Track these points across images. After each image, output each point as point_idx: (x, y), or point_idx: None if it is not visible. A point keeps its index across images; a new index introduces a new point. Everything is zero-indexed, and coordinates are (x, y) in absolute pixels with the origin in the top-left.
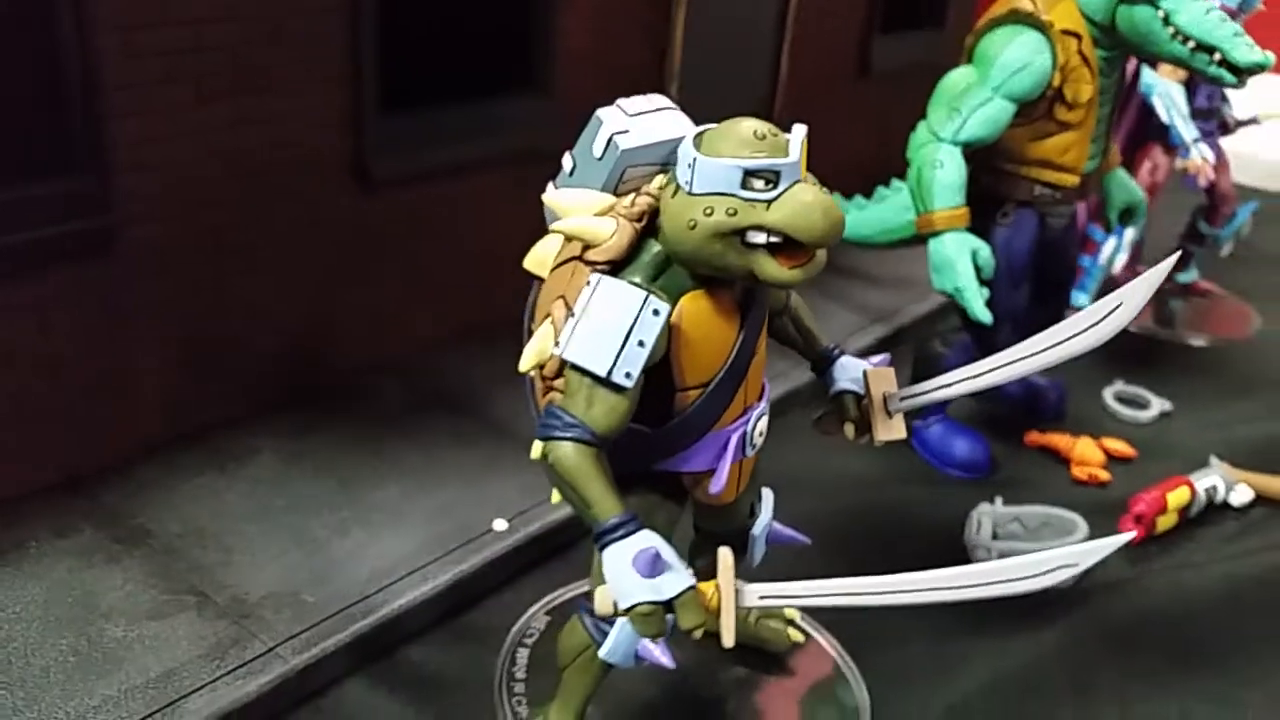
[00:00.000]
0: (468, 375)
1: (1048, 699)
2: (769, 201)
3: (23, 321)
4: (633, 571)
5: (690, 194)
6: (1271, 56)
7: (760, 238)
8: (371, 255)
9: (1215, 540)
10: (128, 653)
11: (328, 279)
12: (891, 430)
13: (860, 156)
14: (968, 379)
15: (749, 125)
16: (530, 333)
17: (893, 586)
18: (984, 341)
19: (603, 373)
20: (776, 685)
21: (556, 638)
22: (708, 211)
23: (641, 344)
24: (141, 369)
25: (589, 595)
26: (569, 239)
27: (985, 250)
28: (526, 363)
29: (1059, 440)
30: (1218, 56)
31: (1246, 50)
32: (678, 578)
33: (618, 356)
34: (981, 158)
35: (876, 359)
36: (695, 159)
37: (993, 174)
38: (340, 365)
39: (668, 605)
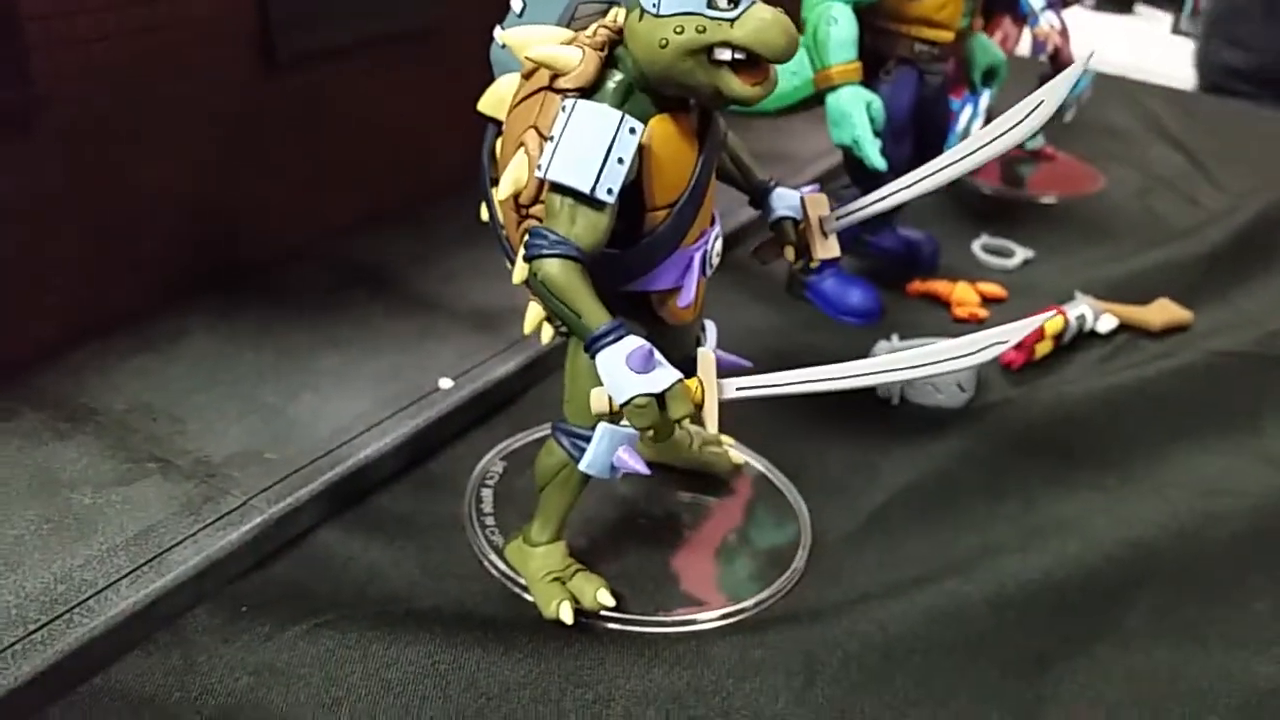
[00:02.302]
0: (385, 253)
1: (962, 500)
2: (732, 20)
3: None
4: (627, 369)
5: (658, 15)
6: None
7: (726, 54)
8: (277, 138)
9: (1089, 362)
10: (100, 516)
11: (235, 161)
12: (828, 249)
13: None
14: (900, 189)
15: None
16: (494, 173)
17: (851, 371)
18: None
19: (586, 189)
20: (722, 504)
21: (529, 470)
22: (678, 30)
23: (620, 161)
24: (59, 255)
25: (565, 417)
26: (528, 75)
27: (878, 103)
28: (504, 191)
29: (938, 286)
30: None
31: None
32: (667, 372)
33: (599, 173)
34: (867, 19)
35: (807, 188)
36: None
37: (876, 33)
38: (257, 249)
39: (660, 398)
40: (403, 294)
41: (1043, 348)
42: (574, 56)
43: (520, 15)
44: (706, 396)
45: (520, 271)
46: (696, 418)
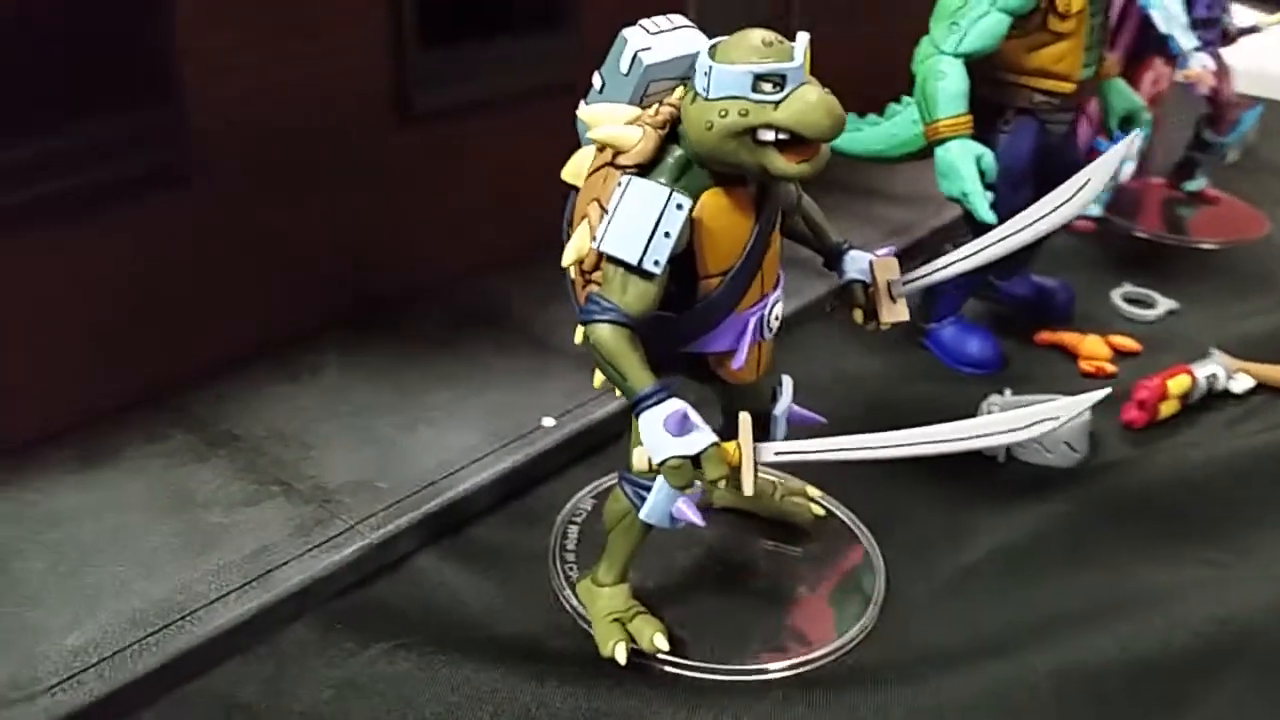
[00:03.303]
0: (502, 297)
1: (1051, 566)
2: (776, 102)
3: (112, 249)
4: (664, 431)
5: (707, 99)
6: None
7: (769, 135)
8: (409, 186)
9: (1216, 424)
10: (225, 534)
11: (371, 207)
12: (895, 313)
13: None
14: (960, 259)
15: (757, 35)
16: (569, 236)
17: (893, 441)
18: None
19: (634, 261)
20: (801, 556)
21: (604, 510)
22: (723, 114)
23: (667, 235)
24: (218, 293)
25: (629, 465)
26: (601, 148)
27: (988, 155)
28: (568, 258)
29: (1067, 337)
30: None
31: None
32: (703, 435)
33: (647, 246)
34: (983, 69)
35: (882, 250)
36: (711, 67)
37: (993, 84)
38: (387, 288)
39: (695, 460)
40: (516, 333)
41: (1168, 407)
42: (633, 136)
43: (600, 92)
44: (744, 459)
45: (579, 333)
46: (736, 479)
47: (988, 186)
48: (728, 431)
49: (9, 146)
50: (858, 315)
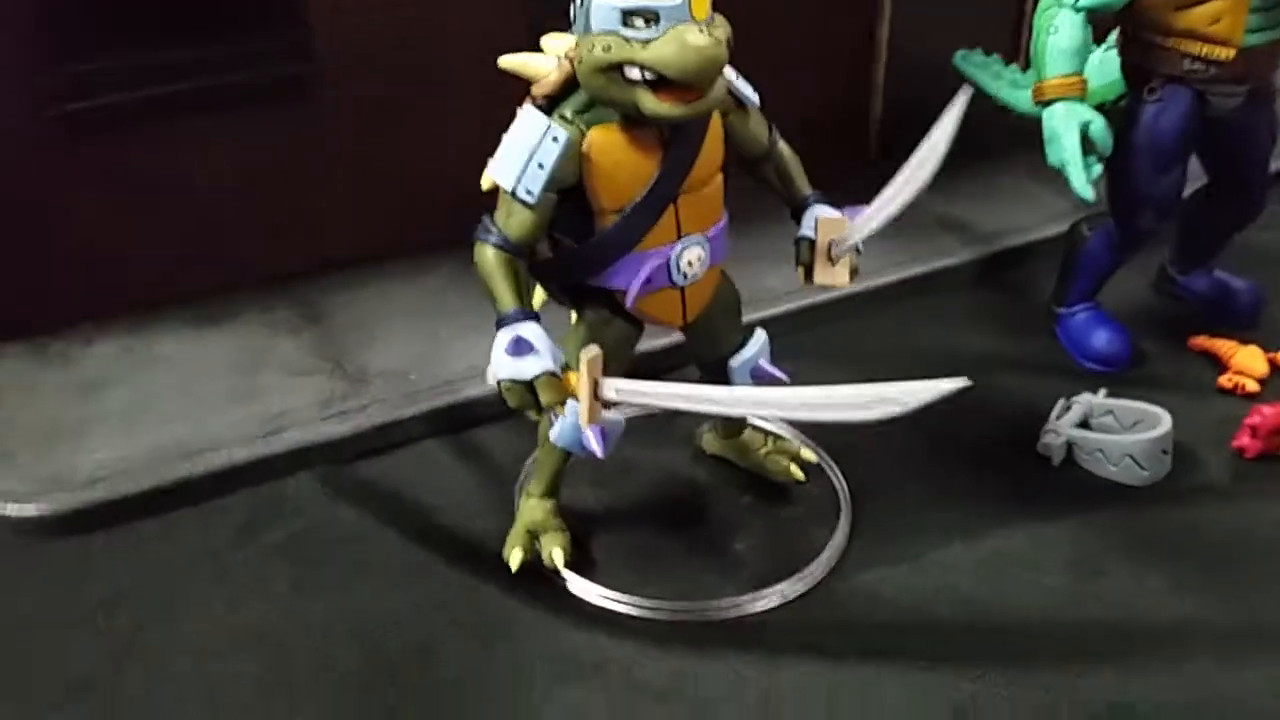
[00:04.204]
0: None
1: (1041, 579)
2: (647, 40)
3: (250, 148)
4: (504, 353)
5: (584, 34)
6: None
7: (636, 73)
8: None
9: None
10: (266, 394)
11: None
12: (830, 276)
13: None
14: (879, 212)
15: None
16: None
17: (733, 398)
18: (1125, 227)
19: (509, 188)
20: (771, 514)
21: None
22: (590, 48)
23: (541, 165)
24: (335, 201)
25: None
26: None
27: (1099, 123)
28: (485, 184)
29: (1223, 345)
30: None
31: None
32: (538, 362)
33: (521, 175)
34: (1130, 30)
35: (848, 209)
36: (587, 1)
37: (1140, 46)
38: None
39: (531, 385)
40: None
41: None
42: (545, 67)
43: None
44: (581, 390)
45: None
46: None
47: (1106, 161)
48: (707, 381)
49: (171, 47)
50: (800, 274)
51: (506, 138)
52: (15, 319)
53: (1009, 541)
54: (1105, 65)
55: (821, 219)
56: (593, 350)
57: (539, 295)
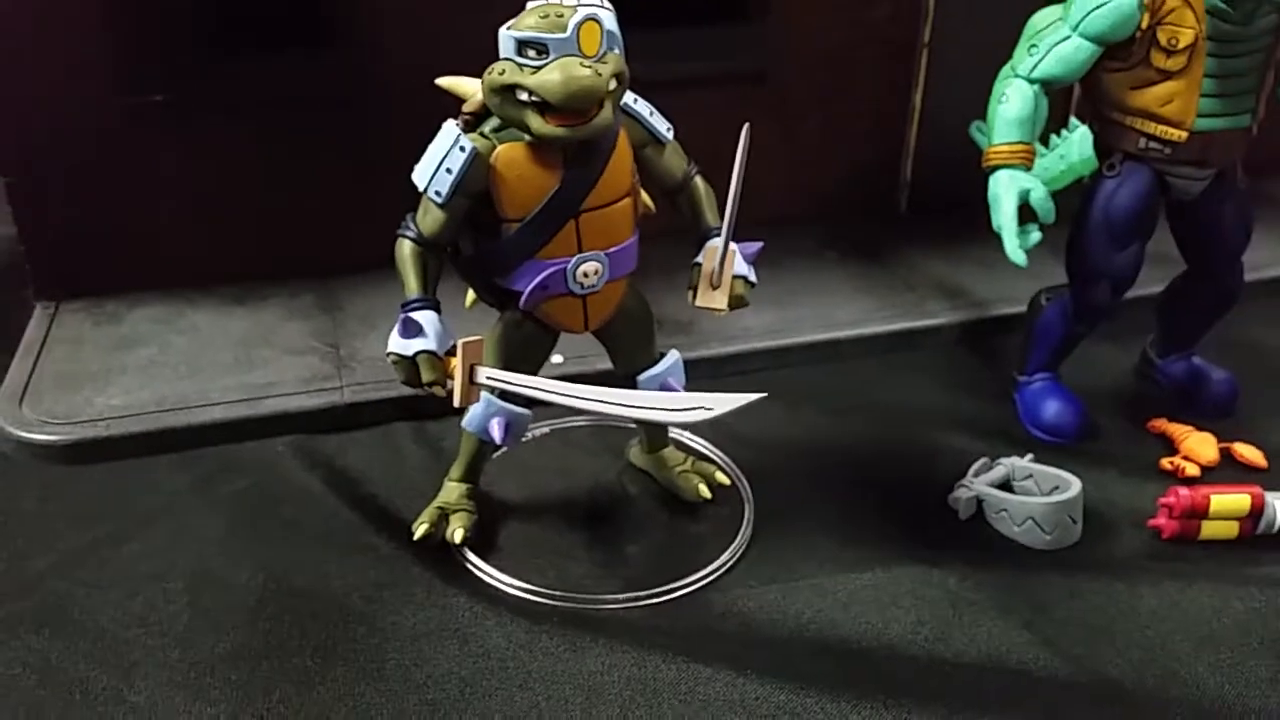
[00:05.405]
0: None
1: (911, 613)
2: (536, 67)
3: (304, 155)
4: (397, 333)
5: (500, 57)
6: None
7: (524, 95)
8: None
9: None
10: (260, 366)
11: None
12: (709, 300)
13: None
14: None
15: (543, 6)
16: None
17: (575, 392)
18: (1080, 299)
19: (421, 188)
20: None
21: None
22: (492, 71)
23: (449, 171)
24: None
25: None
26: None
27: (1040, 191)
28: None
29: (1177, 429)
30: None
31: None
32: (423, 342)
33: (431, 177)
34: (1093, 106)
35: (745, 244)
36: (501, 31)
37: (1101, 122)
38: None
39: (413, 362)
40: None
41: (1215, 529)
42: (473, 87)
43: None
44: (457, 372)
45: None
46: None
47: (1040, 227)
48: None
49: (233, 57)
50: (689, 295)
51: (429, 147)
52: (82, 284)
53: (890, 579)
54: (1085, 141)
55: (707, 247)
56: (472, 338)
57: (470, 296)
